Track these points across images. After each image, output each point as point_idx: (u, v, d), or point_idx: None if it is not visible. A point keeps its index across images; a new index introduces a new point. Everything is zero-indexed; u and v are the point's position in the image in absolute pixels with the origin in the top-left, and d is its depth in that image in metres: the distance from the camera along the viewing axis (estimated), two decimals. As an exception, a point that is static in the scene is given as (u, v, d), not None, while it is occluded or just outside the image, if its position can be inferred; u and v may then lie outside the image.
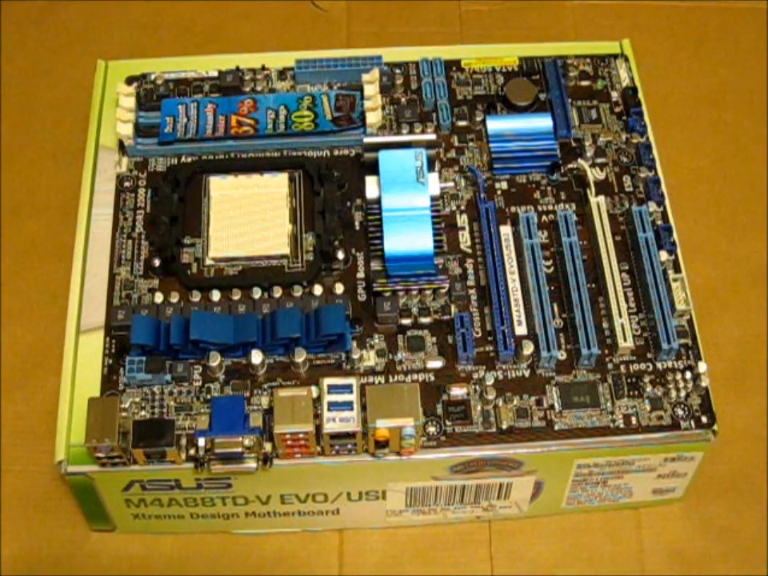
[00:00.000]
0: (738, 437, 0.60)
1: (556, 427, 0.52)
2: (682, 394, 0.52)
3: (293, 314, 0.52)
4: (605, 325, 0.54)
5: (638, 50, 0.64)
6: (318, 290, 0.54)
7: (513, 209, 0.58)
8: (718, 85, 0.75)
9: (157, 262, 0.55)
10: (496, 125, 0.60)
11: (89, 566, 0.57)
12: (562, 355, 0.53)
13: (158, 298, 0.54)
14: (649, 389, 0.53)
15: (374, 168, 0.57)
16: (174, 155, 0.59)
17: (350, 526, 0.58)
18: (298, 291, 0.54)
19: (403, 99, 0.62)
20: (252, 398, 0.52)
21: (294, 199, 0.58)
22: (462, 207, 0.58)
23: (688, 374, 0.53)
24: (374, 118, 0.59)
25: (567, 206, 0.58)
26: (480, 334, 0.54)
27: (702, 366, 0.53)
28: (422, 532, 0.58)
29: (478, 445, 0.51)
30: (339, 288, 0.54)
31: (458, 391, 0.52)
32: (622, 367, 0.53)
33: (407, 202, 0.55)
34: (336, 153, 0.60)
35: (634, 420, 0.52)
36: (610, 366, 0.53)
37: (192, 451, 0.50)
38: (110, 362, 0.53)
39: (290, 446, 0.50)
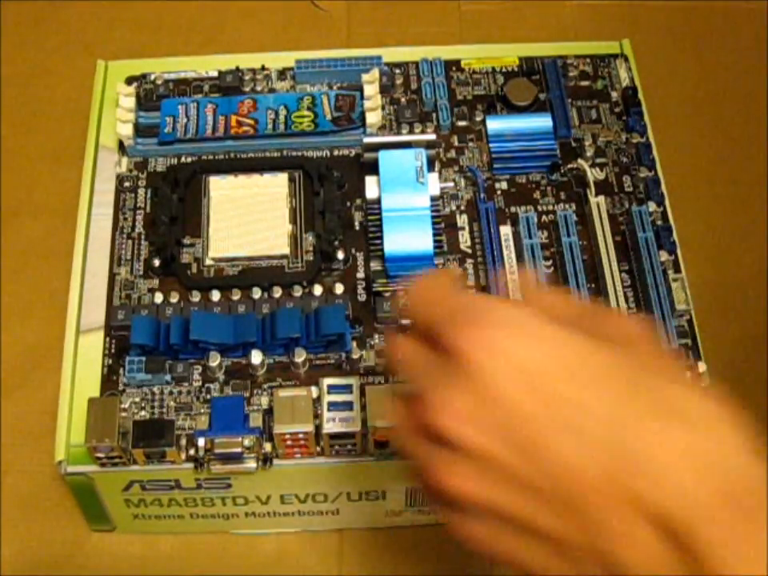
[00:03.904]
0: (737, 437, 0.60)
1: (556, 427, 0.52)
2: (682, 394, 0.52)
3: (293, 314, 0.52)
4: (605, 325, 0.54)
5: (638, 50, 0.64)
6: (317, 290, 0.54)
7: (513, 209, 0.58)
8: (718, 85, 0.74)
9: (157, 262, 0.55)
10: (496, 125, 0.60)
11: (89, 566, 0.57)
12: (561, 355, 0.53)
13: (158, 298, 0.54)
14: (649, 389, 0.53)
15: (373, 168, 0.57)
16: (174, 155, 0.59)
17: (350, 526, 0.58)
18: (298, 291, 0.54)
19: (403, 99, 0.62)
20: (252, 398, 0.52)
21: (294, 199, 0.58)
22: (462, 207, 0.58)
23: (688, 374, 0.53)
24: (373, 117, 0.59)
25: (567, 205, 0.58)
26: (480, 334, 0.54)
27: (702, 366, 0.53)
28: (422, 532, 0.58)
29: (478, 445, 0.51)
30: (339, 288, 0.54)
31: (457, 391, 0.52)
32: (622, 367, 0.53)
33: (407, 201, 0.55)
34: (336, 153, 0.60)
35: (633, 420, 0.52)
36: (609, 366, 0.53)
37: (192, 451, 0.50)
38: (110, 362, 0.53)
39: (290, 446, 0.50)
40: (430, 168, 0.57)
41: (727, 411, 0.29)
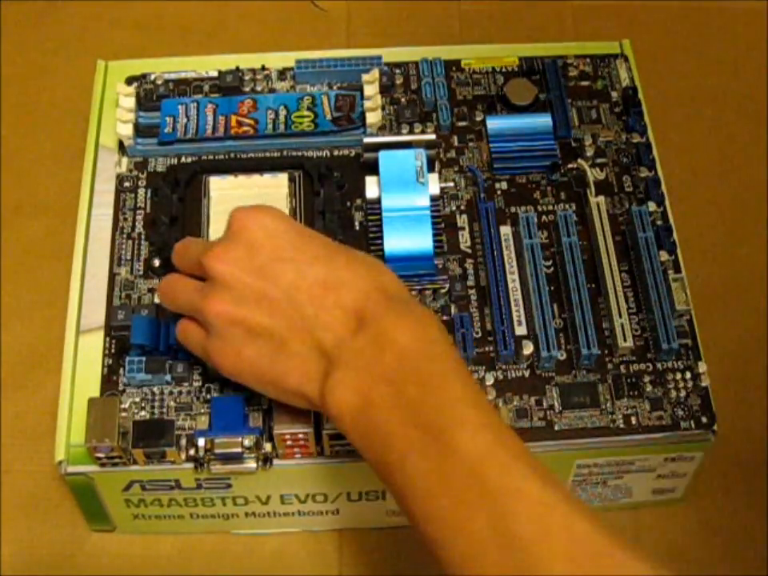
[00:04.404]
0: (738, 437, 0.60)
1: (556, 427, 0.52)
2: (682, 394, 0.53)
3: (293, 314, 0.52)
4: (605, 325, 0.54)
5: (638, 50, 0.64)
6: (317, 290, 0.54)
7: (513, 209, 0.58)
8: (718, 85, 0.74)
9: (157, 262, 0.55)
10: (496, 125, 0.60)
11: (89, 566, 0.57)
12: (562, 355, 0.53)
13: (158, 298, 0.54)
14: (649, 389, 0.53)
15: (373, 168, 0.57)
16: (174, 155, 0.59)
17: (350, 526, 0.58)
18: (297, 291, 0.54)
19: (403, 99, 0.62)
20: (252, 398, 0.52)
21: (294, 199, 0.58)
22: (462, 207, 0.58)
23: (688, 374, 0.53)
24: (373, 117, 0.59)
25: (567, 206, 0.58)
26: (480, 334, 0.54)
27: (702, 366, 0.53)
28: (422, 532, 0.58)
29: (478, 445, 0.51)
30: (339, 288, 0.54)
31: (457, 391, 0.52)
32: (622, 367, 0.53)
33: (407, 202, 0.55)
34: (336, 153, 0.60)
35: (633, 420, 0.52)
36: (609, 366, 0.53)
37: (192, 451, 0.50)
38: (110, 362, 0.53)
39: (290, 446, 0.50)
40: (430, 168, 0.57)
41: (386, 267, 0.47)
